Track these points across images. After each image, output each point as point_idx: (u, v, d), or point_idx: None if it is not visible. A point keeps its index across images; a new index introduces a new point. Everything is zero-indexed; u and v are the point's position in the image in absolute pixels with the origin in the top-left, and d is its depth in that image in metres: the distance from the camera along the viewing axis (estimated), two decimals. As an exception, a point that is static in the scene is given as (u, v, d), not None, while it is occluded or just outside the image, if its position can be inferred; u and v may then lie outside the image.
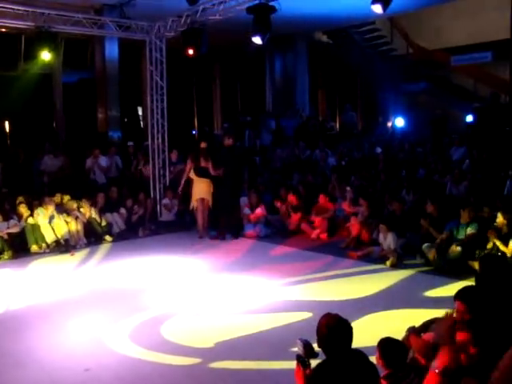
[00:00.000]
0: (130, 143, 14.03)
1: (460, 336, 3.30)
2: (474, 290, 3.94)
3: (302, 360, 3.24)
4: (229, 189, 10.52)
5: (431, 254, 8.12)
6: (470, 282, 5.35)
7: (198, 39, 10.78)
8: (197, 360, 5.22)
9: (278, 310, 6.62)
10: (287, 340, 5.44)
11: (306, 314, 6.23)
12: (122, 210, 11.26)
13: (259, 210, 10.94)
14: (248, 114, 18.20)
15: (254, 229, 10.80)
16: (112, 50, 15.20)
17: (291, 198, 11.05)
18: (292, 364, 3.53)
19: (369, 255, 8.92)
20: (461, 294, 3.76)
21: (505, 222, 7.80)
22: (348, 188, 11.01)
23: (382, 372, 3.68)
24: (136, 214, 11.38)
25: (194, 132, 20.06)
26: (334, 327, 3.24)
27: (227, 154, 10.64)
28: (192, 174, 10.82)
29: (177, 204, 11.68)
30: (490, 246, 7.64)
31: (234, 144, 11.05)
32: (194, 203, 10.87)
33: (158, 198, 12.16)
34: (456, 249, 7.93)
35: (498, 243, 7.51)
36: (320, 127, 17.49)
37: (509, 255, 7.29)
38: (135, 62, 16.68)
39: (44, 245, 9.99)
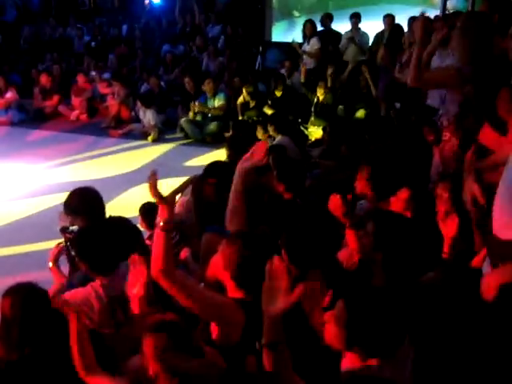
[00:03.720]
0: None
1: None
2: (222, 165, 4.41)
3: (67, 229, 3.39)
4: None
5: (189, 128, 8.60)
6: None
7: None
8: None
9: (43, 193, 6.58)
10: (54, 221, 5.46)
11: (73, 194, 6.27)
12: None
13: (9, 94, 10.09)
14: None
15: (5, 115, 9.99)
16: None
17: (44, 80, 10.40)
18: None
19: (130, 132, 9.05)
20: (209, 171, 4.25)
21: (247, 95, 8.59)
22: (93, 73, 10.73)
23: (147, 234, 4.03)
24: None
25: None
26: (82, 192, 3.44)
27: None
28: None
29: None
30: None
31: None
32: None
33: None
34: (212, 125, 8.52)
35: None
36: (70, 1, 16.23)
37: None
38: None
39: None
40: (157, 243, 2.28)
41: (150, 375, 2.07)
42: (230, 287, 2.46)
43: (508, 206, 1.96)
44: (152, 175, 2.29)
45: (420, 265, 2.94)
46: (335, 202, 2.83)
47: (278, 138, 6.02)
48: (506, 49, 3.46)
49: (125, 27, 14.30)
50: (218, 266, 2.48)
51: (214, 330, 2.37)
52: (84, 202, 3.38)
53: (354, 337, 1.89)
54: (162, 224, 2.25)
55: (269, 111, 8.29)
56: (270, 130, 6.38)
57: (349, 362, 1.97)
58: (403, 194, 3.49)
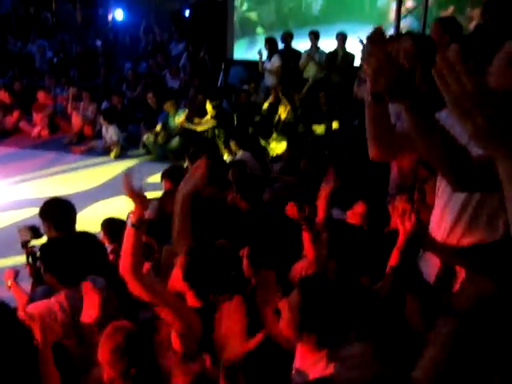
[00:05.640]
0: None
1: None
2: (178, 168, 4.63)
3: (29, 244, 3.41)
4: None
5: (151, 145, 8.69)
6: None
7: None
8: None
9: (5, 209, 6.54)
10: (14, 238, 5.43)
11: (35, 210, 6.22)
12: None
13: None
14: None
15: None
16: None
17: (3, 96, 10.28)
18: (21, 258, 3.69)
19: (93, 149, 9.03)
20: (167, 173, 4.46)
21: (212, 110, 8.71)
22: (58, 90, 10.71)
23: (109, 248, 4.08)
24: None
25: None
26: (58, 203, 3.48)
27: None
28: None
29: None
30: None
31: None
32: None
33: None
34: (174, 142, 8.63)
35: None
36: (32, 17, 16.10)
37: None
38: None
39: None
40: (127, 240, 2.36)
41: (105, 381, 2.09)
42: (189, 297, 2.54)
43: (450, 214, 2.05)
44: (127, 174, 2.41)
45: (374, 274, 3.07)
46: (290, 209, 2.99)
47: (240, 153, 6.15)
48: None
49: (88, 43, 14.28)
50: (178, 277, 2.56)
51: (174, 340, 2.44)
52: (60, 211, 3.44)
53: (306, 321, 1.97)
54: (133, 220, 2.33)
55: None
56: (232, 145, 6.51)
57: (299, 359, 2.05)
58: (359, 207, 3.62)
